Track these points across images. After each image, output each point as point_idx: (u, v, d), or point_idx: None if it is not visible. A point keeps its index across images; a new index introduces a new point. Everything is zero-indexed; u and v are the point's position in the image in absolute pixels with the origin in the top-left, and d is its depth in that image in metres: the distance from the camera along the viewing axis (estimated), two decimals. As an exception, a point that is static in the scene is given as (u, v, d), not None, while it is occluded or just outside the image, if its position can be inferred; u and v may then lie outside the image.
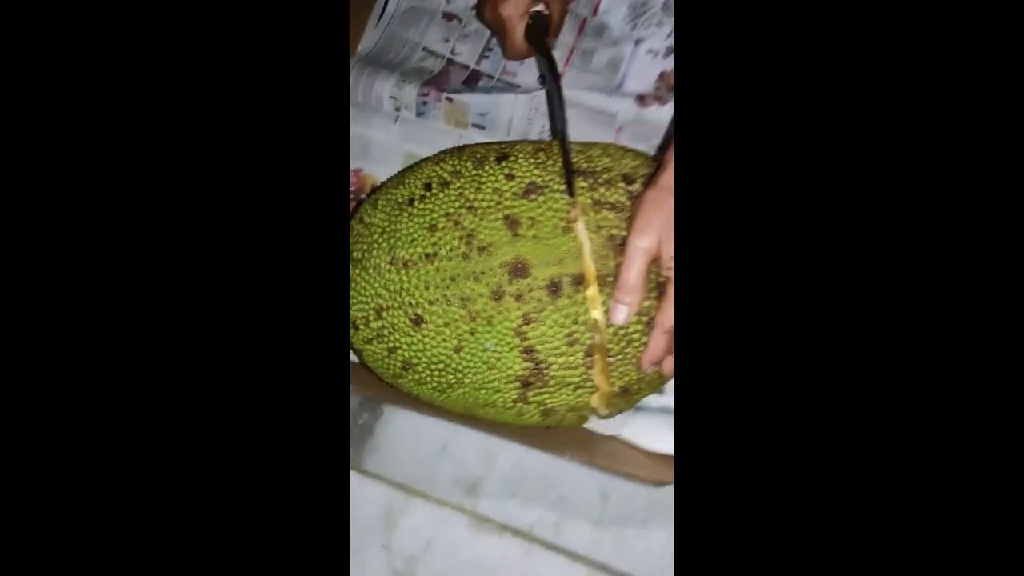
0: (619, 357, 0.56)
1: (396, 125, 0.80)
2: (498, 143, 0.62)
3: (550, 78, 0.63)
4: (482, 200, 0.56)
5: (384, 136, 0.80)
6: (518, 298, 0.55)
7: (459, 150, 0.62)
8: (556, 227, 0.55)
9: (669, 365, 0.57)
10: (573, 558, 0.70)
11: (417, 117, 0.80)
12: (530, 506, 0.72)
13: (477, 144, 0.63)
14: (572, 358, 0.55)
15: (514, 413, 0.59)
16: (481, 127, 0.79)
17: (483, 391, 0.57)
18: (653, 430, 0.67)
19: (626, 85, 0.79)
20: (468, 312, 0.55)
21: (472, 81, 0.82)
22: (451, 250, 0.55)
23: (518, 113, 0.78)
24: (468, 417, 0.63)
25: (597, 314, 0.55)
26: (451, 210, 0.56)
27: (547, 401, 0.57)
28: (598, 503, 0.71)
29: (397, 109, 0.80)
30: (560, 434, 0.66)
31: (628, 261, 0.53)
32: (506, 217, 0.55)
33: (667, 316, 0.53)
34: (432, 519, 0.72)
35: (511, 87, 0.81)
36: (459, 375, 0.56)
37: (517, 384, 0.56)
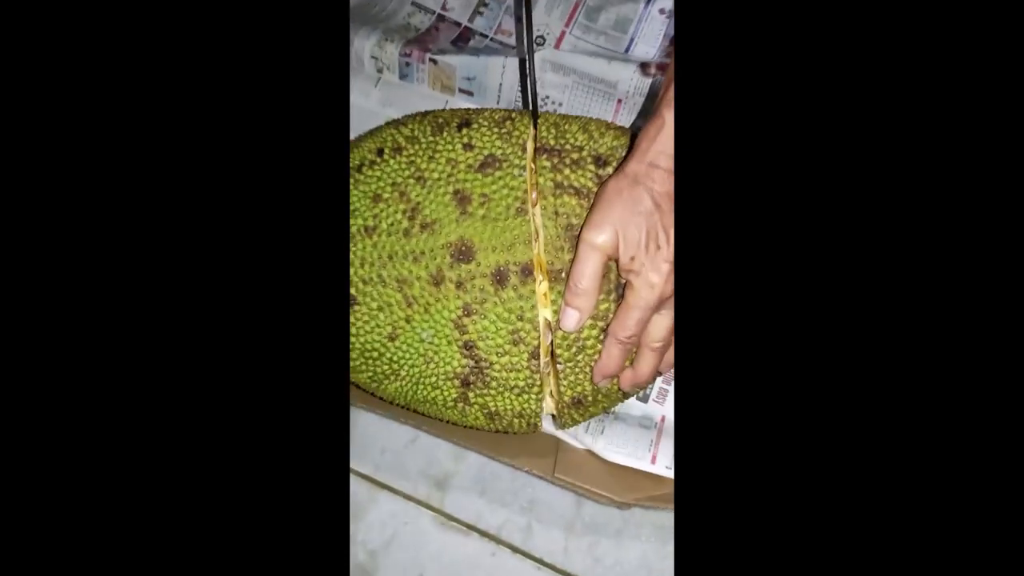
0: (569, 364, 0.51)
1: (377, 88, 0.74)
2: (465, 109, 0.55)
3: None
4: (433, 171, 0.51)
5: (363, 100, 0.74)
6: (459, 285, 0.49)
7: (425, 114, 0.55)
8: (509, 208, 0.49)
9: (627, 379, 0.51)
10: (540, 564, 0.66)
11: (400, 80, 0.73)
12: (499, 508, 0.68)
13: (446, 110, 0.56)
14: (516, 359, 0.50)
15: (457, 413, 0.54)
16: (469, 92, 0.72)
17: (421, 386, 0.53)
18: (630, 443, 0.61)
19: (633, 49, 0.70)
20: (404, 296, 0.50)
21: (463, 40, 0.74)
22: (392, 224, 0.50)
23: (509, 78, 0.71)
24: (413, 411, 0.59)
25: (546, 313, 0.49)
26: (399, 179, 0.51)
27: (490, 404, 0.53)
28: (571, 509, 0.67)
29: (379, 70, 0.73)
30: (525, 441, 0.61)
31: (580, 260, 0.46)
32: (456, 192, 0.50)
33: (622, 325, 0.47)
34: (398, 513, 0.69)
35: (504, 48, 0.73)
36: (394, 366, 0.52)
37: (456, 382, 0.51)
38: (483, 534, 0.68)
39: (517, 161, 0.50)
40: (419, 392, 0.53)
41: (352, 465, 0.71)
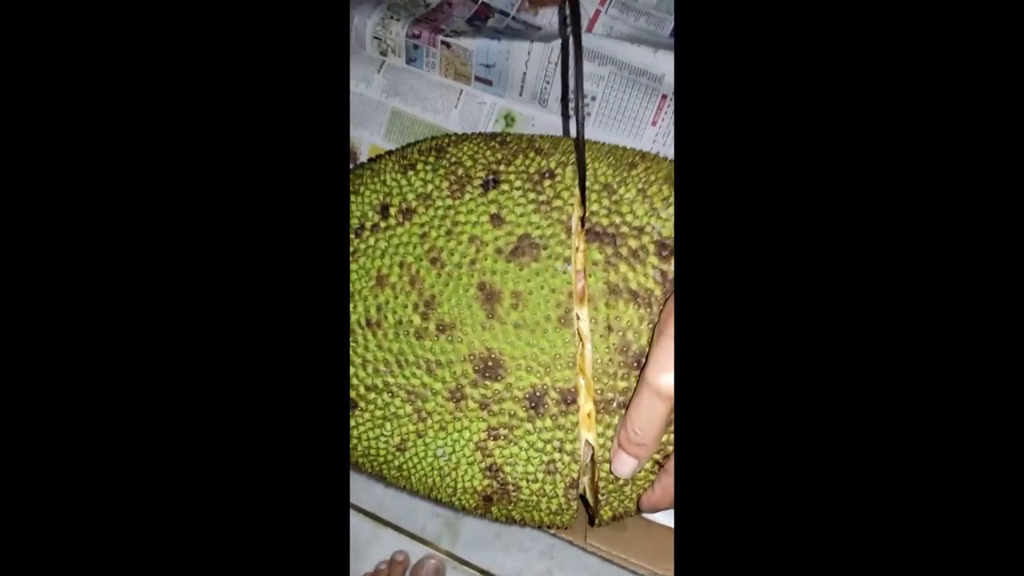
0: (614, 493, 0.43)
1: (380, 74, 0.64)
2: (492, 153, 0.44)
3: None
4: (453, 251, 0.41)
5: (365, 88, 0.64)
6: (484, 407, 0.40)
7: (439, 150, 0.45)
8: (550, 316, 0.40)
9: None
10: (562, 614, 0.61)
11: (407, 64, 0.63)
12: (517, 552, 0.62)
13: (463, 139, 0.46)
14: (550, 487, 0.42)
15: (478, 512, 0.47)
16: (487, 81, 0.62)
17: (435, 491, 0.45)
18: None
19: (679, 34, 0.60)
20: (415, 410, 0.41)
21: (480, 19, 0.64)
22: (400, 321, 0.40)
23: (534, 67, 0.61)
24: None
25: (589, 437, 0.41)
26: (409, 258, 0.41)
27: (515, 515, 0.45)
28: (597, 559, 0.61)
29: (383, 53, 0.63)
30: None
31: (643, 407, 0.38)
32: (482, 285, 0.40)
33: None
34: (412, 558, 0.63)
35: (529, 29, 0.63)
36: (404, 473, 0.44)
37: (477, 497, 0.44)
38: (498, 580, 0.62)
39: (560, 249, 0.40)
40: (432, 492, 0.46)
41: (352, 500, 0.64)
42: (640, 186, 0.42)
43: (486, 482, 0.42)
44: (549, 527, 0.46)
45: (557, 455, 0.41)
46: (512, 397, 0.40)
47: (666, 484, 0.41)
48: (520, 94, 0.62)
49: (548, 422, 0.40)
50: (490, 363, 0.40)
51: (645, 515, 0.54)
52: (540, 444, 0.40)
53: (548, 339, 0.39)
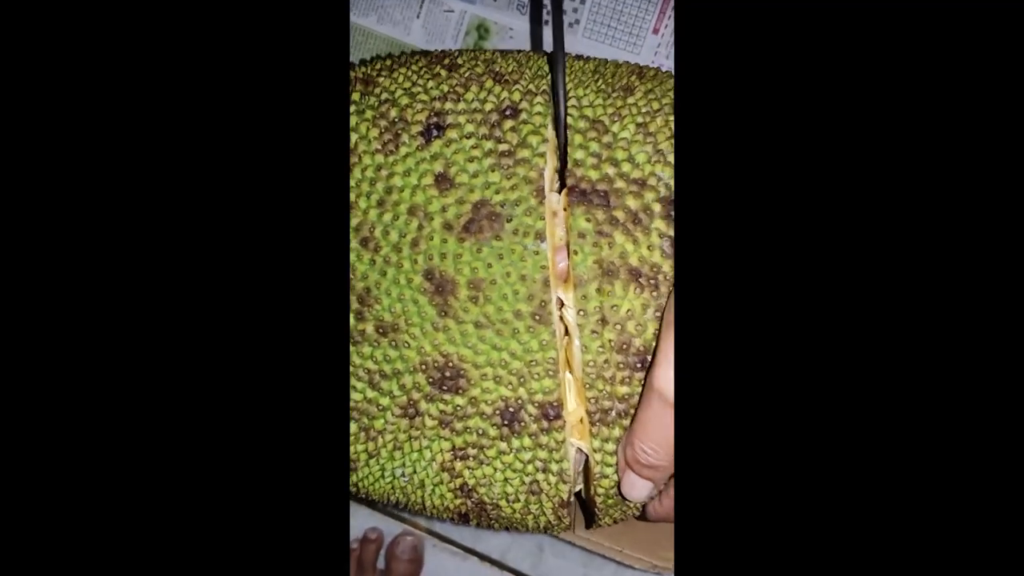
0: (612, 504, 0.35)
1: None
2: (438, 66, 0.34)
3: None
4: (389, 227, 0.31)
5: (307, -3, 0.53)
6: (445, 424, 0.32)
7: (365, 82, 0.34)
8: (520, 309, 0.30)
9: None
10: (554, 594, 0.55)
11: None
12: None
13: (397, 62, 0.35)
14: (536, 507, 0.34)
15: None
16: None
17: (403, 507, 0.38)
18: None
19: None
20: (361, 428, 0.33)
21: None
22: None
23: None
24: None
25: (583, 445, 0.33)
26: None
27: (496, 527, 0.38)
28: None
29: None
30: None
31: (654, 418, 0.29)
32: (429, 274, 0.30)
33: None
34: (387, 535, 0.57)
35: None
36: (360, 489, 0.37)
37: (452, 513, 0.36)
38: (483, 558, 0.56)
39: (529, 220, 0.30)
40: (404, 508, 0.39)
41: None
42: (639, 120, 0.32)
43: (459, 501, 0.34)
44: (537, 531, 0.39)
45: (541, 475, 0.33)
46: (479, 413, 0.31)
47: (672, 494, 0.33)
48: (494, -1, 0.51)
49: (527, 440, 0.32)
50: (448, 373, 0.31)
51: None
52: (519, 465, 0.32)
53: (520, 341, 0.30)
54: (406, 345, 0.31)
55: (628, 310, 0.30)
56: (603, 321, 0.30)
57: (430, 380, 0.31)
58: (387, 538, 0.56)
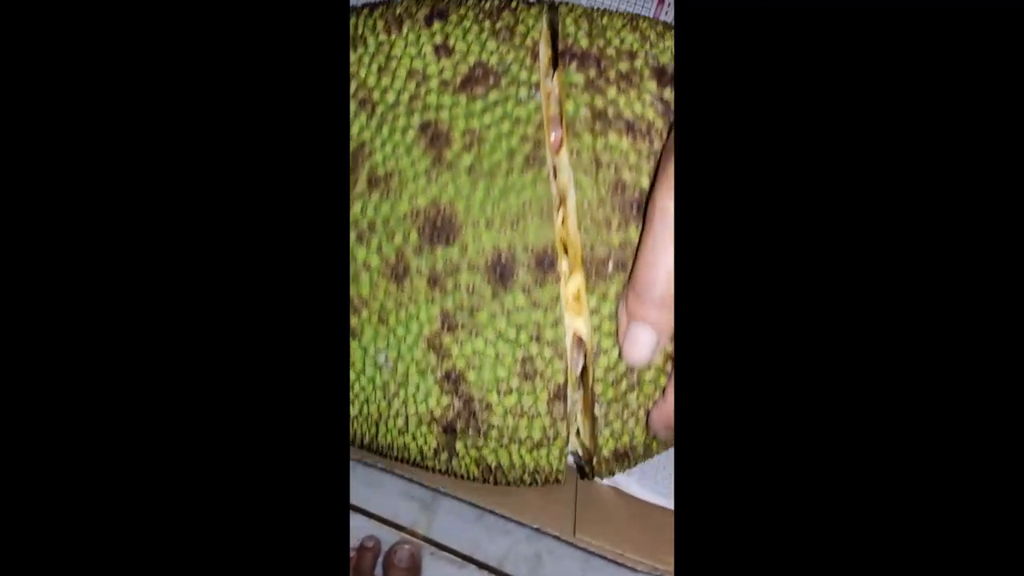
0: (614, 407, 0.34)
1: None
2: None
3: None
4: (387, 88, 0.32)
5: None
6: (433, 282, 0.32)
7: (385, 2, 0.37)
8: (515, 153, 0.31)
9: None
10: (554, 601, 0.55)
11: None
12: (500, 535, 0.56)
13: None
14: (529, 400, 0.33)
15: (440, 463, 0.38)
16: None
17: (384, 431, 0.37)
18: (670, 476, 0.48)
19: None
20: (359, 297, 0.33)
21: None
22: None
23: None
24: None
25: (579, 326, 0.32)
26: None
27: (488, 458, 0.37)
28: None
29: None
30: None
31: (656, 240, 0.29)
32: (425, 126, 0.31)
33: None
34: (384, 544, 0.57)
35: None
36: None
37: (436, 429, 0.35)
38: (482, 566, 0.56)
39: (523, 74, 0.32)
40: (382, 437, 0.37)
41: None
42: (626, 19, 0.34)
43: (445, 401, 0.33)
44: (534, 477, 0.37)
45: (535, 348, 0.32)
46: (470, 266, 0.31)
47: None
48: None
49: (520, 298, 0.31)
50: (439, 222, 0.31)
51: (639, 497, 0.47)
52: (511, 333, 0.32)
53: (512, 183, 0.31)
54: (397, 195, 0.31)
55: (623, 153, 0.31)
56: (597, 163, 0.31)
57: (420, 231, 0.31)
58: (384, 547, 0.56)
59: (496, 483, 0.40)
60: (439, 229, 0.31)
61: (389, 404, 0.34)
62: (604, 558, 0.45)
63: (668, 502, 0.47)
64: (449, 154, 0.31)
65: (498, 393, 0.33)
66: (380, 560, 0.56)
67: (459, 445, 0.35)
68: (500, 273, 0.31)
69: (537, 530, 0.46)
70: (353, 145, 0.32)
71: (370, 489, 0.57)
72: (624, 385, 0.33)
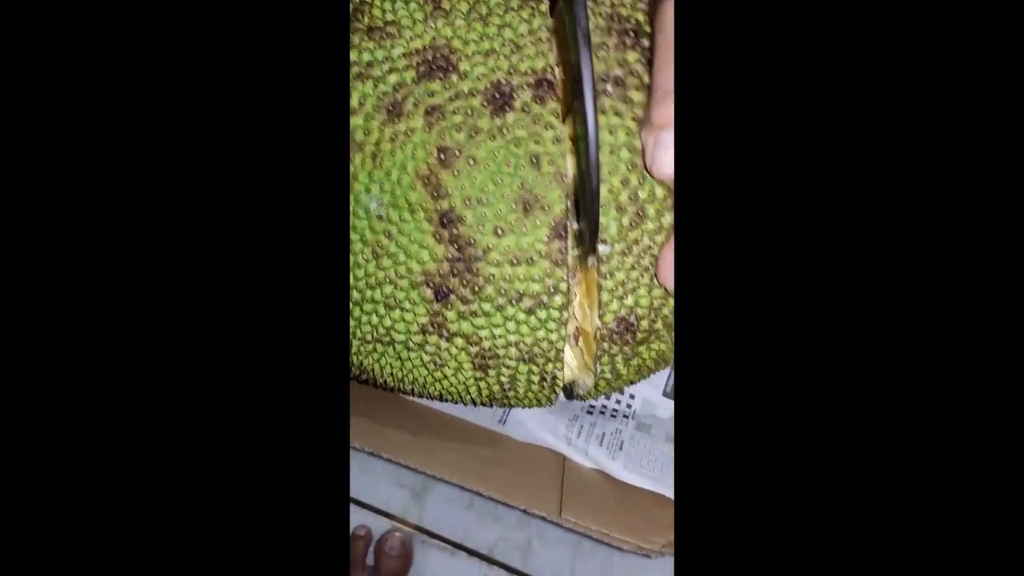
0: (618, 252, 0.33)
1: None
2: None
3: None
4: None
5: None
6: (430, 112, 0.31)
7: None
8: None
9: None
10: (544, 587, 0.55)
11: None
12: (491, 522, 0.56)
13: None
14: (528, 241, 0.32)
15: (427, 355, 0.35)
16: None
17: (371, 309, 0.34)
18: (657, 464, 0.48)
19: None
20: (353, 142, 0.32)
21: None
22: None
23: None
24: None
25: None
26: None
27: (483, 335, 0.34)
28: (578, 526, 0.55)
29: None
30: (518, 464, 0.47)
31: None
32: None
33: None
34: (376, 532, 0.57)
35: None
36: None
37: (426, 292, 0.33)
38: (472, 553, 0.56)
39: None
40: (365, 323, 0.35)
41: (308, 472, 0.58)
42: None
43: (439, 252, 0.32)
44: (530, 372, 0.35)
45: (534, 175, 0.31)
46: (469, 92, 0.31)
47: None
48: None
49: (521, 115, 0.31)
50: (436, 59, 0.31)
51: (619, 478, 0.48)
52: (510, 155, 0.31)
53: (510, 20, 0.32)
54: (395, 39, 0.32)
55: None
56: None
57: (418, 67, 0.32)
58: (376, 535, 0.56)
59: (490, 400, 0.38)
60: (436, 65, 0.31)
61: (376, 261, 0.33)
62: (592, 538, 0.46)
63: (653, 485, 0.47)
64: (447, 3, 0.32)
65: (495, 234, 0.32)
66: (371, 548, 0.56)
67: (449, 315, 0.33)
68: (499, 97, 0.31)
69: (526, 512, 0.46)
70: (353, 3, 0.33)
71: (360, 476, 0.58)
72: (629, 218, 0.32)
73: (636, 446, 0.49)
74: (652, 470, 0.47)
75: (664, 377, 0.52)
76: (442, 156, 0.31)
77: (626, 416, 0.51)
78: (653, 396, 0.52)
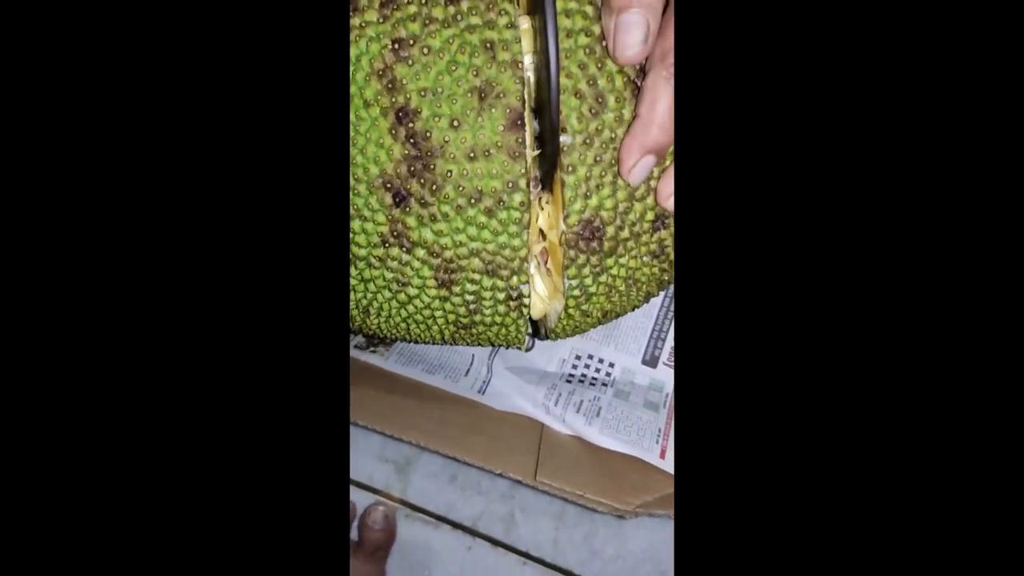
0: (578, 147, 0.32)
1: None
2: None
3: None
4: None
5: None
6: (385, 3, 0.31)
7: None
8: None
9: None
10: (527, 559, 0.55)
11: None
12: (474, 495, 0.56)
13: None
14: (485, 132, 0.31)
15: (390, 274, 0.34)
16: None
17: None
18: (633, 429, 0.48)
19: None
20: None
21: None
22: None
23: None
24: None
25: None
26: None
27: (445, 244, 0.33)
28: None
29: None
30: (496, 431, 0.48)
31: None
32: None
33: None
34: (359, 507, 0.57)
35: None
36: None
37: (385, 197, 0.32)
38: (456, 526, 0.56)
39: None
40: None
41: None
42: None
43: (397, 152, 0.31)
44: (495, 287, 0.34)
45: (491, 67, 0.31)
46: None
47: (656, 86, 0.31)
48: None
49: (476, 3, 0.31)
50: None
51: (595, 442, 0.47)
52: (464, 43, 0.31)
53: None
54: None
55: None
56: None
57: None
58: (359, 509, 0.56)
59: (457, 329, 0.37)
60: None
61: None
62: (574, 503, 0.46)
63: (629, 448, 0.47)
64: None
65: (452, 126, 0.31)
66: (355, 523, 0.56)
67: (411, 222, 0.33)
68: None
69: (501, 476, 0.46)
70: None
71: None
72: (589, 106, 0.32)
73: (613, 412, 0.49)
74: (628, 434, 0.48)
75: (643, 345, 0.52)
76: (397, 47, 0.31)
77: (604, 384, 0.51)
78: (632, 364, 0.52)
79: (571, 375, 0.52)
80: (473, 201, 0.32)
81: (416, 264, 0.34)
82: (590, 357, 0.53)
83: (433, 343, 0.41)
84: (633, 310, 0.41)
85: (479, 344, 0.39)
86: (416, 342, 0.40)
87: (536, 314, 0.38)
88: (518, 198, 0.32)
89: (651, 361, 0.52)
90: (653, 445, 0.47)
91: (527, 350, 0.45)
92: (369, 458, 0.58)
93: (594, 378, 0.52)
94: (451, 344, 0.40)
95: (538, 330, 0.39)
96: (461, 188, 0.32)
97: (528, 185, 0.32)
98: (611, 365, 0.52)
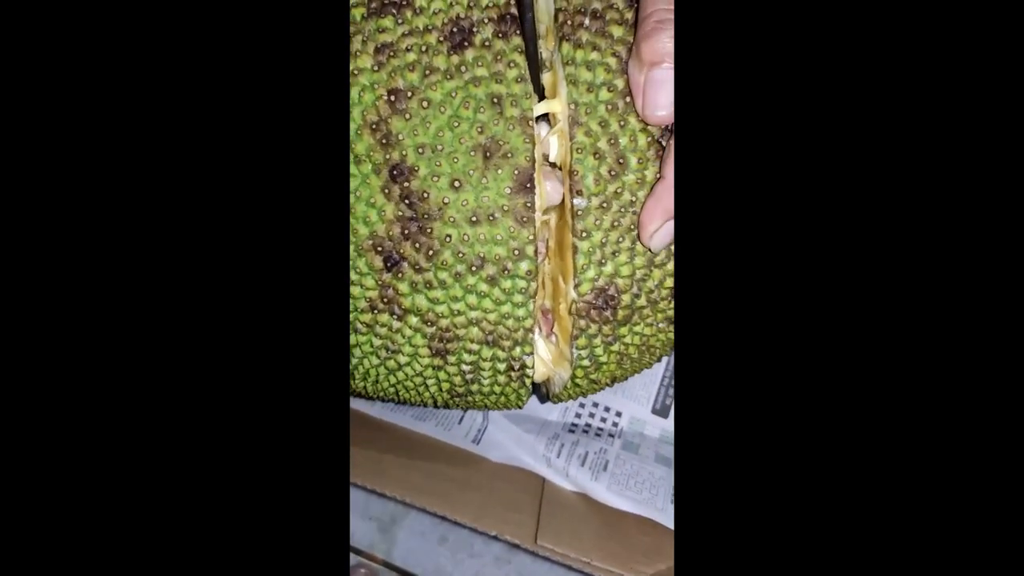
0: (594, 211, 0.29)
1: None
2: None
3: None
4: None
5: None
6: (380, 49, 0.28)
7: None
8: None
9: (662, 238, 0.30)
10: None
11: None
12: (467, 558, 0.51)
13: None
14: (488, 195, 0.28)
15: (383, 337, 0.31)
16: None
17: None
18: (645, 486, 0.43)
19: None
20: None
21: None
22: None
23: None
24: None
25: (553, 105, 0.29)
26: None
27: (440, 313, 0.30)
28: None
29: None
30: (492, 485, 0.43)
31: None
32: None
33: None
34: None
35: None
36: None
37: (375, 258, 0.29)
38: (447, 595, 0.51)
39: None
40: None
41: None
42: None
43: (390, 212, 0.29)
44: (495, 354, 0.31)
45: (496, 122, 0.28)
46: (424, 28, 0.28)
47: (661, 188, 0.28)
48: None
49: (482, 53, 0.28)
50: None
51: (602, 500, 0.43)
52: (468, 96, 0.28)
53: None
54: None
55: None
56: None
57: (369, 6, 0.29)
58: (339, 573, 0.51)
59: (452, 397, 0.34)
60: (389, 1, 0.29)
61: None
62: (572, 569, 0.41)
63: (640, 508, 0.42)
64: None
65: (453, 187, 0.28)
66: (334, 588, 0.51)
67: (403, 288, 0.30)
68: (457, 33, 0.28)
69: (496, 538, 0.41)
70: None
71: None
72: (608, 187, 0.29)
73: (622, 466, 0.44)
74: (639, 492, 0.43)
75: (653, 392, 0.48)
76: (393, 99, 0.28)
77: (611, 435, 0.47)
78: (641, 413, 0.47)
79: (575, 424, 0.48)
80: (474, 268, 0.29)
81: (408, 332, 0.31)
82: (595, 405, 0.48)
83: (425, 407, 0.37)
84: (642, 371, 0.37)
85: (475, 409, 0.36)
86: (406, 404, 0.37)
87: (539, 378, 0.35)
88: (524, 266, 0.29)
89: (662, 410, 0.47)
90: (667, 504, 0.42)
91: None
92: (351, 515, 0.53)
93: (600, 428, 0.47)
94: (444, 408, 0.36)
95: (539, 390, 0.35)
96: (461, 254, 0.29)
97: (535, 253, 0.29)
98: (618, 414, 0.48)
